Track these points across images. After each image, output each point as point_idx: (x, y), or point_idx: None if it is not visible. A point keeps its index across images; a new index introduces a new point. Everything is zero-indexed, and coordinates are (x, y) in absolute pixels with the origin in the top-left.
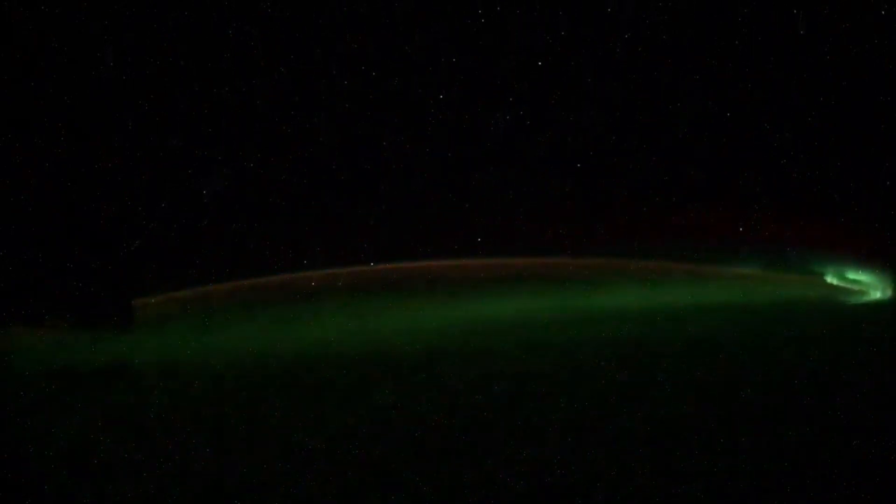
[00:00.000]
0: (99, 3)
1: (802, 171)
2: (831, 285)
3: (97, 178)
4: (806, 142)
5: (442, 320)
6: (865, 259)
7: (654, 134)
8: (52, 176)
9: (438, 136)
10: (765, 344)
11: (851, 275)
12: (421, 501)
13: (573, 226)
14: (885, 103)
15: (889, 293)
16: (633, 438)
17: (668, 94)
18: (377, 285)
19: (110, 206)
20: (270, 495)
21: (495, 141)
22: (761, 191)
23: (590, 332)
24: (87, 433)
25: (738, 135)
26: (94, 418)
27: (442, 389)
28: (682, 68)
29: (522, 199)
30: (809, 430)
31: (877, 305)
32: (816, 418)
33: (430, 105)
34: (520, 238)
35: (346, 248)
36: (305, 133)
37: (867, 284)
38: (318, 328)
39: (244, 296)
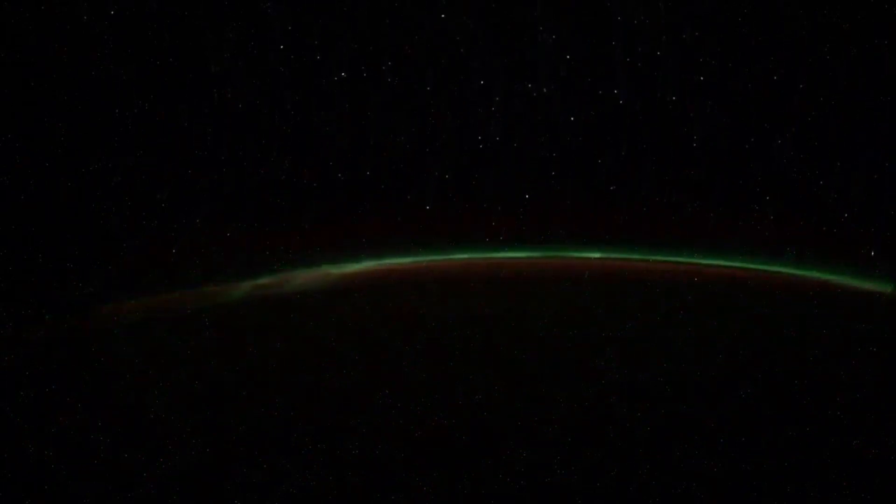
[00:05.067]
0: (99, 3)
1: None
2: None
3: (97, 178)
4: None
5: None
6: None
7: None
8: (52, 176)
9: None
10: None
11: None
12: None
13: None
14: None
15: None
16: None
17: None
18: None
19: (109, 205)
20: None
21: (494, 139)
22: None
23: None
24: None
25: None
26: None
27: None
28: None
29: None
30: (810, 431)
31: None
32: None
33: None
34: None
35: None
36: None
37: None
38: None
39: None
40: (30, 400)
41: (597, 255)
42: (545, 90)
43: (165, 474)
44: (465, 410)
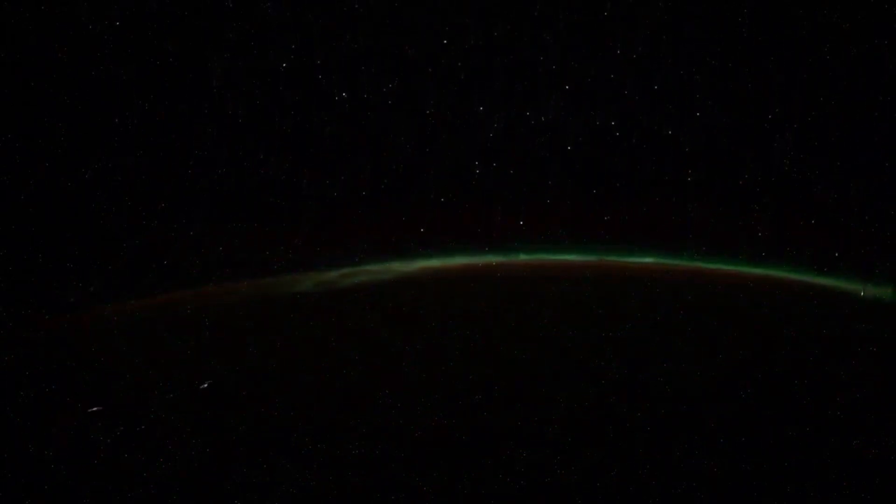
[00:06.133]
0: (99, 4)
1: None
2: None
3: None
4: None
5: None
6: None
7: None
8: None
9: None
10: None
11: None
12: None
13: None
14: None
15: None
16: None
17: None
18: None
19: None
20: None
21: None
22: None
23: None
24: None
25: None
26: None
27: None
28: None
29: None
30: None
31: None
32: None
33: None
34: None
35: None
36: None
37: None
38: None
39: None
40: (30, 400)
41: (597, 256)
42: (545, 116)
43: (165, 474)
44: (465, 410)
